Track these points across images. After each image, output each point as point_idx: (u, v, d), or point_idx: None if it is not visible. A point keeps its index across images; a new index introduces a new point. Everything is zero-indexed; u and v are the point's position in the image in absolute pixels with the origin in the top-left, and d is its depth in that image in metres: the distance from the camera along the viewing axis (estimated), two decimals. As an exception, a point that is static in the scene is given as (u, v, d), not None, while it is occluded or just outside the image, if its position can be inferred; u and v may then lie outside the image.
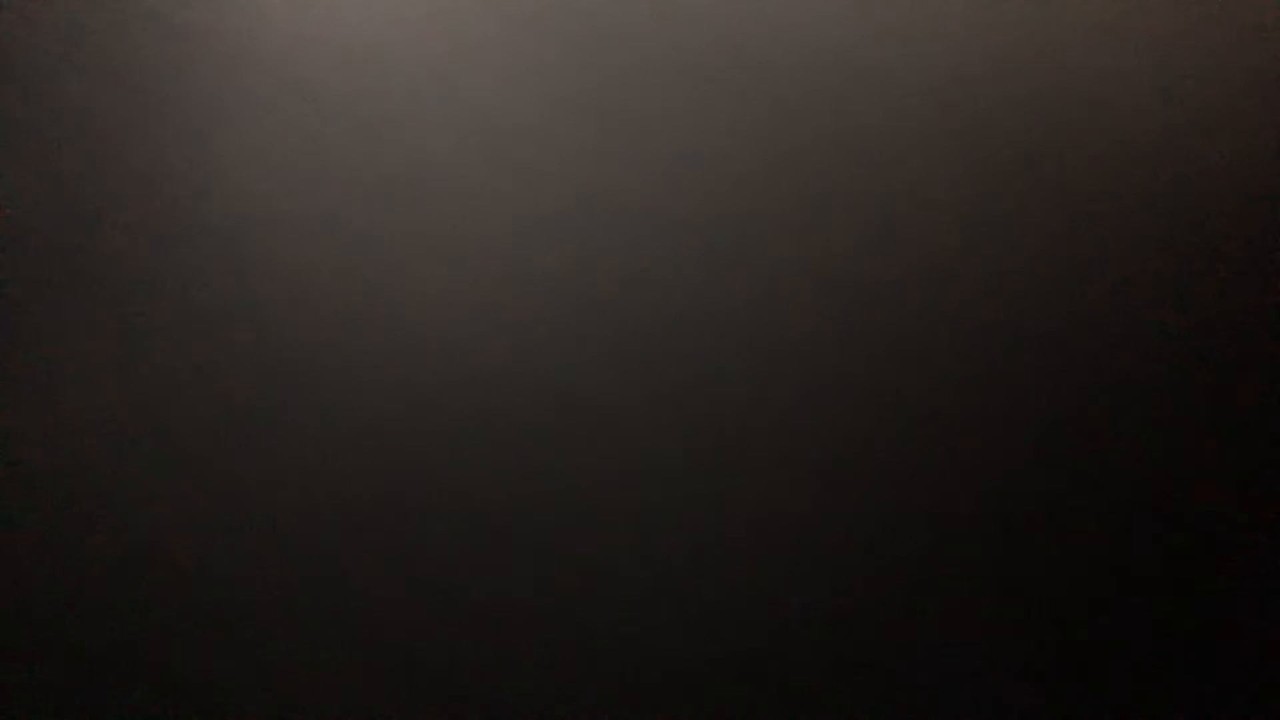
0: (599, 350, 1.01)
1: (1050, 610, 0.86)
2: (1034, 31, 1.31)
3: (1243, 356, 1.03)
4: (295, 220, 1.10)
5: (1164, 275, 1.09)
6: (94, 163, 1.14)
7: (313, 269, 1.06)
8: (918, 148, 1.20)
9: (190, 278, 1.05)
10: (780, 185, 1.15)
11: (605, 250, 1.09)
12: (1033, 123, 1.23)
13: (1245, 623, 0.85)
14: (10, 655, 0.80)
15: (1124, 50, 1.30)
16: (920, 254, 1.10)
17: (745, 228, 1.12)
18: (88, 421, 0.93)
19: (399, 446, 0.93)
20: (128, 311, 1.02)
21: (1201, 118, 1.24)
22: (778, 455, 0.94)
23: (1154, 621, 0.85)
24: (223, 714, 0.78)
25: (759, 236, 1.11)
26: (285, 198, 1.12)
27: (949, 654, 0.83)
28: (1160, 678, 0.82)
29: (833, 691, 0.81)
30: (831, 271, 1.08)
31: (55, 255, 1.06)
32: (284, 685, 0.80)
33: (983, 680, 0.82)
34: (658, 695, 0.80)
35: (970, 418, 0.97)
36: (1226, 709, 0.81)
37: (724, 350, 1.01)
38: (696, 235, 1.11)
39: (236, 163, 1.15)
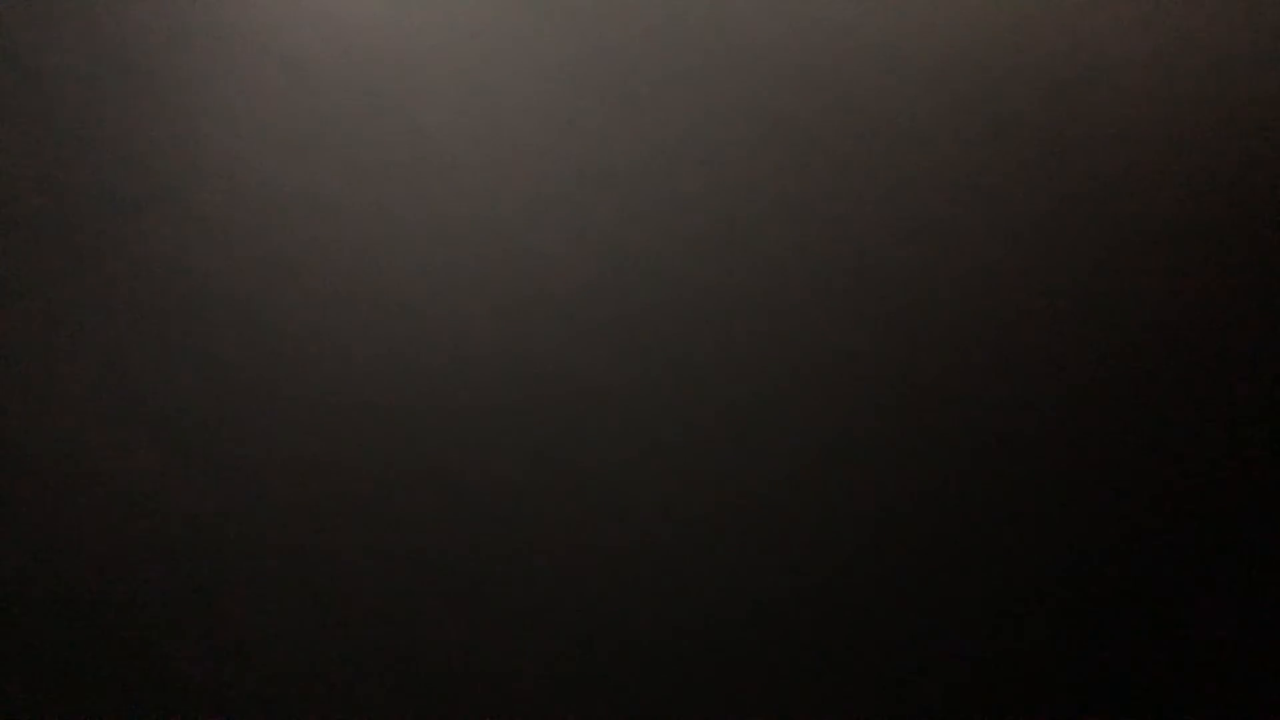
0: (597, 329, 1.00)
1: (1045, 598, 0.85)
2: (1028, 10, 1.30)
3: (1246, 340, 1.03)
4: (288, 198, 1.09)
5: (1159, 257, 1.09)
6: (82, 140, 1.13)
7: (307, 248, 1.05)
8: (920, 123, 1.19)
9: (182, 258, 1.04)
10: (782, 162, 1.15)
11: (604, 228, 1.08)
12: (1038, 98, 1.22)
13: (1245, 621, 0.85)
14: (10, 647, 0.79)
15: (1117, 28, 1.29)
16: (922, 231, 1.09)
17: (746, 205, 1.11)
18: (82, 406, 0.93)
19: (396, 428, 0.93)
20: (120, 293, 1.01)
21: (1197, 97, 1.23)
22: (779, 436, 0.94)
23: (1149, 618, 0.85)
24: (225, 702, 0.78)
25: (760, 214, 1.10)
26: (278, 175, 1.11)
27: (945, 640, 0.83)
28: (1155, 675, 0.82)
29: (833, 678, 0.81)
30: (834, 249, 1.07)
31: (44, 236, 1.05)
32: (283, 672, 0.79)
33: (978, 669, 0.82)
34: (654, 678, 0.80)
35: (972, 400, 0.97)
36: (1226, 709, 0.80)
37: (724, 329, 1.01)
38: (697, 212, 1.10)
39: (228, 138, 1.14)
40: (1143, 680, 0.81)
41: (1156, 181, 1.15)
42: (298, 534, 0.86)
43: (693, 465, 0.92)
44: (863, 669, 0.81)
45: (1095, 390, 0.98)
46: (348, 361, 0.97)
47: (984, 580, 0.86)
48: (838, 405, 0.96)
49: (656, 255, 1.06)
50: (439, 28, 1.25)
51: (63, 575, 0.83)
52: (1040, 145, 1.17)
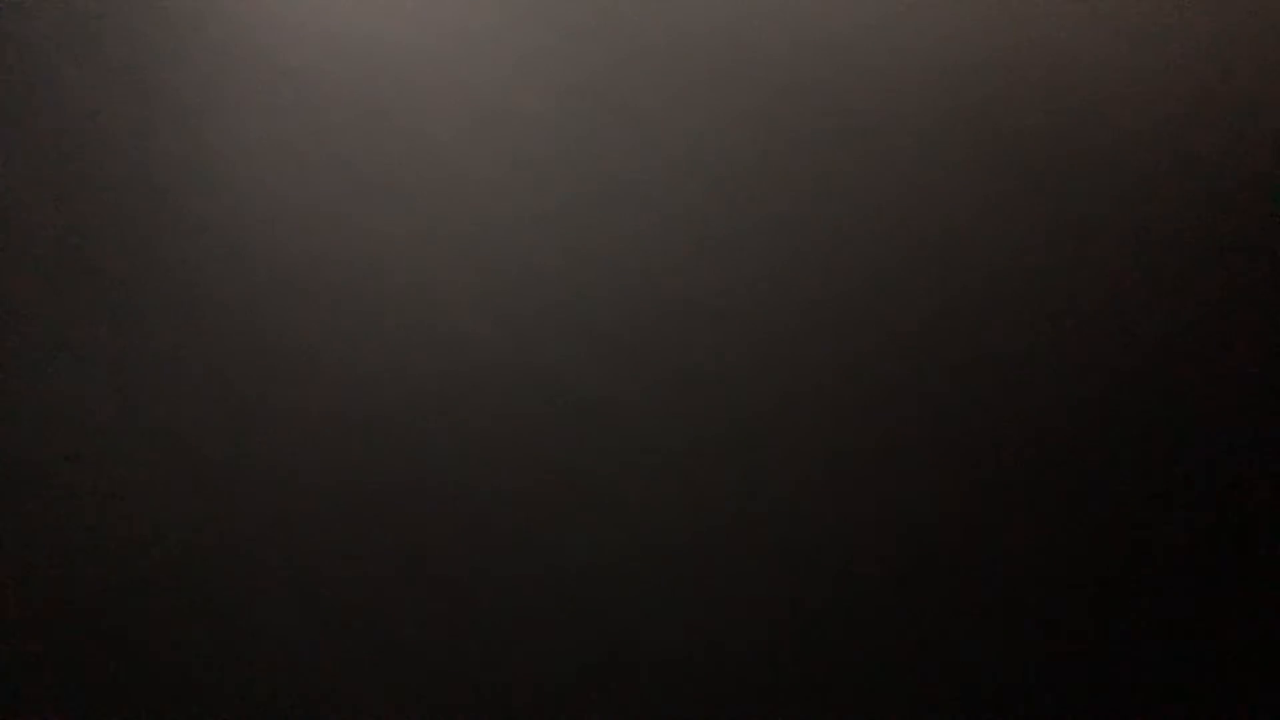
0: (600, 341, 1.00)
1: (1045, 606, 0.85)
2: (1030, 21, 1.31)
3: (1240, 346, 1.03)
4: (292, 210, 1.10)
5: (1161, 265, 1.09)
6: (89, 151, 1.13)
7: (311, 259, 1.05)
8: (918, 137, 1.19)
9: (186, 268, 1.04)
10: (781, 174, 1.15)
11: (606, 240, 1.08)
12: (1029, 112, 1.22)
13: (1244, 623, 0.85)
14: (13, 648, 0.79)
15: (1118, 39, 1.29)
16: (920, 243, 1.09)
17: (746, 217, 1.11)
18: (88, 415, 0.93)
19: (399, 439, 0.93)
20: (126, 302, 1.01)
21: (1197, 107, 1.23)
22: (780, 447, 0.94)
23: (1148, 620, 0.85)
24: (224, 707, 0.78)
25: (760, 226, 1.10)
26: (282, 187, 1.11)
27: (946, 646, 0.83)
28: (1154, 678, 0.82)
29: (831, 686, 0.81)
30: (833, 261, 1.07)
31: (51, 246, 1.06)
32: (286, 677, 0.79)
33: (979, 676, 0.82)
34: (654, 688, 0.80)
35: (969, 409, 0.97)
36: (1225, 709, 0.80)
37: (725, 341, 1.01)
38: (698, 225, 1.10)
39: (232, 151, 1.14)
40: (1154, 689, 0.81)
41: (1161, 194, 1.15)
42: (299, 544, 0.86)
43: (695, 477, 0.92)
44: (866, 680, 0.81)
45: (1100, 400, 0.98)
46: (350, 372, 0.97)
47: (988, 590, 0.86)
48: (842, 418, 0.96)
49: (659, 267, 1.06)
50: (440, 43, 1.26)
51: (65, 584, 0.83)
52: (1042, 159, 1.18)
